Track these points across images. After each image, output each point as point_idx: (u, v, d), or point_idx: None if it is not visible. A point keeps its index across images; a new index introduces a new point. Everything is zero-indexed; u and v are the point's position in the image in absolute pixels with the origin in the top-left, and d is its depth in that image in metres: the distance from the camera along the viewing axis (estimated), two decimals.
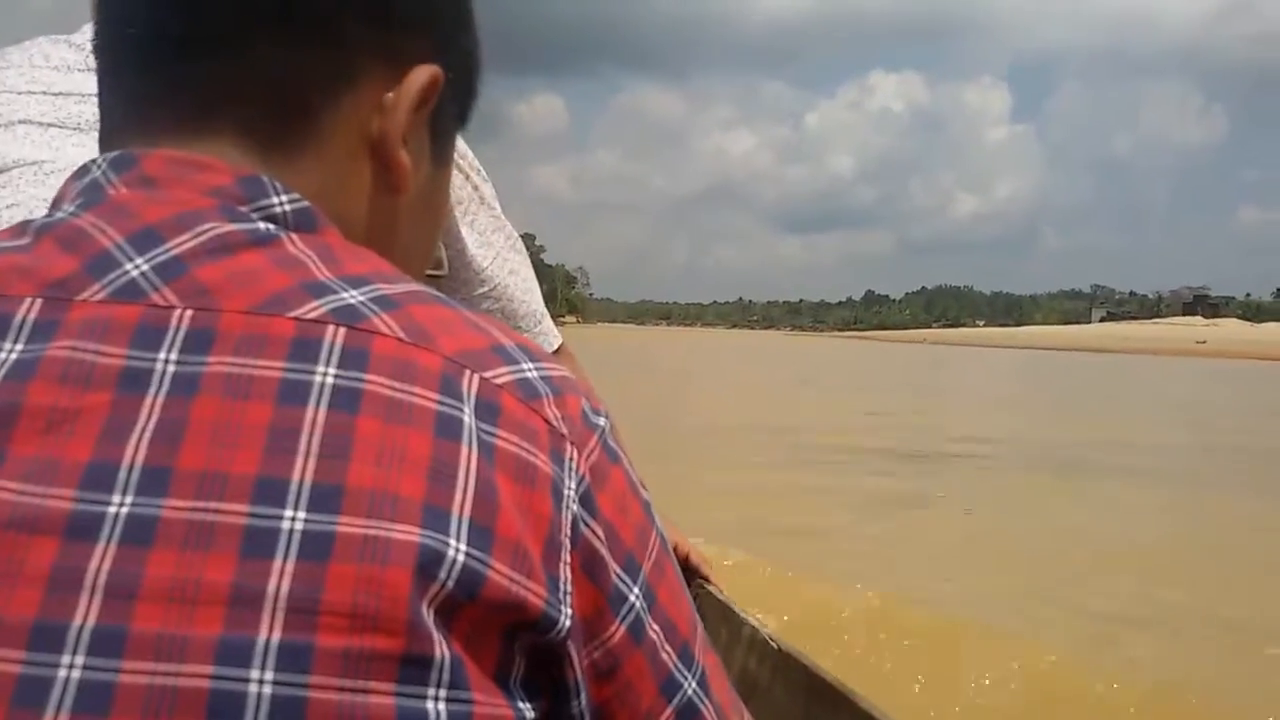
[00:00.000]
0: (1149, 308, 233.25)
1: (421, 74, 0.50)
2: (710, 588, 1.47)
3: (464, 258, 1.17)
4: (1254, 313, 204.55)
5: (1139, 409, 19.66)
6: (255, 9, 0.47)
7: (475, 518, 0.41)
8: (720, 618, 1.44)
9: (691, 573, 1.46)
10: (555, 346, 1.30)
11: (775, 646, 1.36)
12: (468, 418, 0.43)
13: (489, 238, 1.20)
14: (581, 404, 0.47)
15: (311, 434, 0.41)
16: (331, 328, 0.43)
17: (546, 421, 0.45)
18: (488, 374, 0.44)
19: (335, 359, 0.42)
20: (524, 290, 1.25)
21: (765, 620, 1.35)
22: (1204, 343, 65.85)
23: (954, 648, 3.72)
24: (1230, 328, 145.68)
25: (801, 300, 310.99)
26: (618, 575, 0.46)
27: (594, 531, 0.45)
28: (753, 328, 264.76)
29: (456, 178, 1.15)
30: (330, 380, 0.42)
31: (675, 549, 1.34)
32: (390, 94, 0.49)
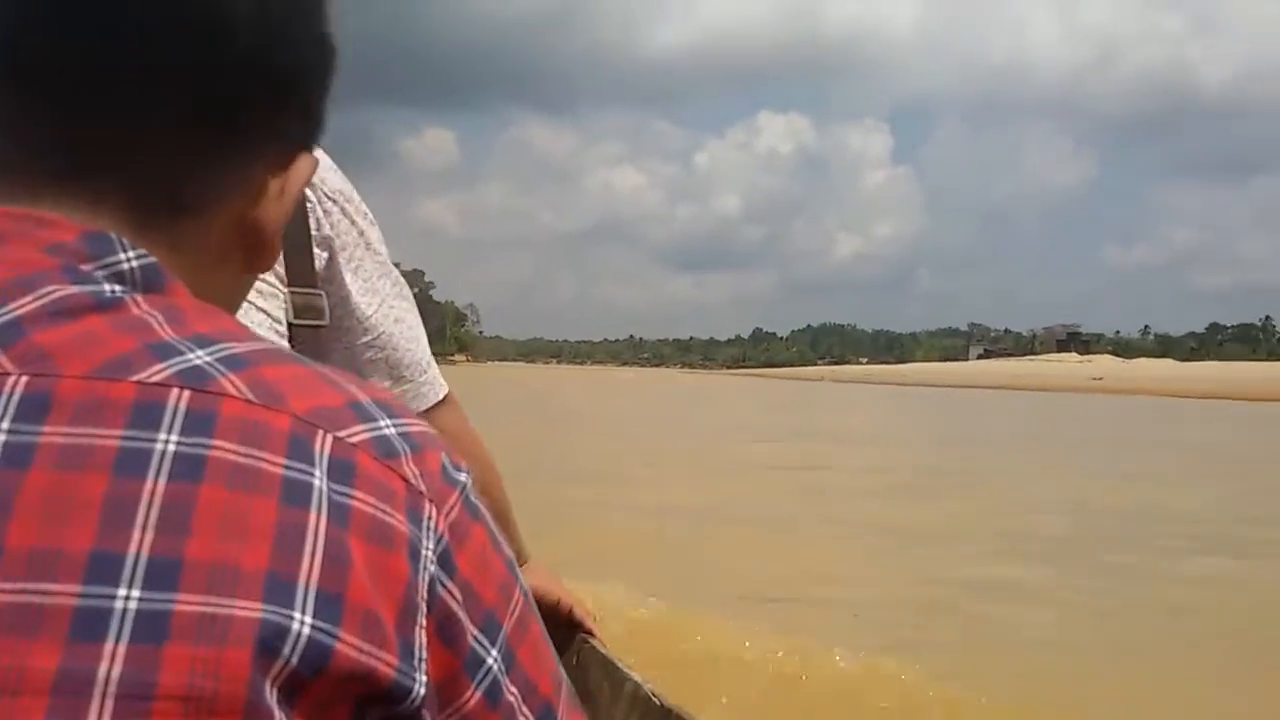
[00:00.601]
0: (1024, 345, 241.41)
1: (305, 163, 0.49)
2: (593, 642, 1.42)
3: (347, 305, 1.14)
4: (1124, 349, 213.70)
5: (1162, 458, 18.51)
6: (162, 86, 0.45)
7: (323, 586, 0.39)
8: (603, 673, 1.39)
9: (574, 627, 1.42)
10: (441, 396, 1.26)
11: (658, 704, 1.32)
12: (319, 481, 0.41)
13: (374, 284, 1.18)
14: (441, 460, 0.46)
15: (150, 506, 0.38)
16: (176, 391, 0.41)
17: (404, 480, 0.44)
18: (342, 433, 0.43)
19: (179, 425, 0.40)
20: (409, 339, 1.22)
21: (649, 676, 1.33)
22: (1100, 379, 67.73)
23: (857, 698, 3.60)
24: (1105, 364, 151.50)
25: (691, 338, 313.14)
26: (475, 638, 0.44)
27: (451, 593, 0.43)
28: (643, 365, 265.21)
29: (342, 223, 1.13)
30: (172, 448, 0.40)
31: (558, 603, 1.39)
32: (277, 181, 0.48)
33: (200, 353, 0.42)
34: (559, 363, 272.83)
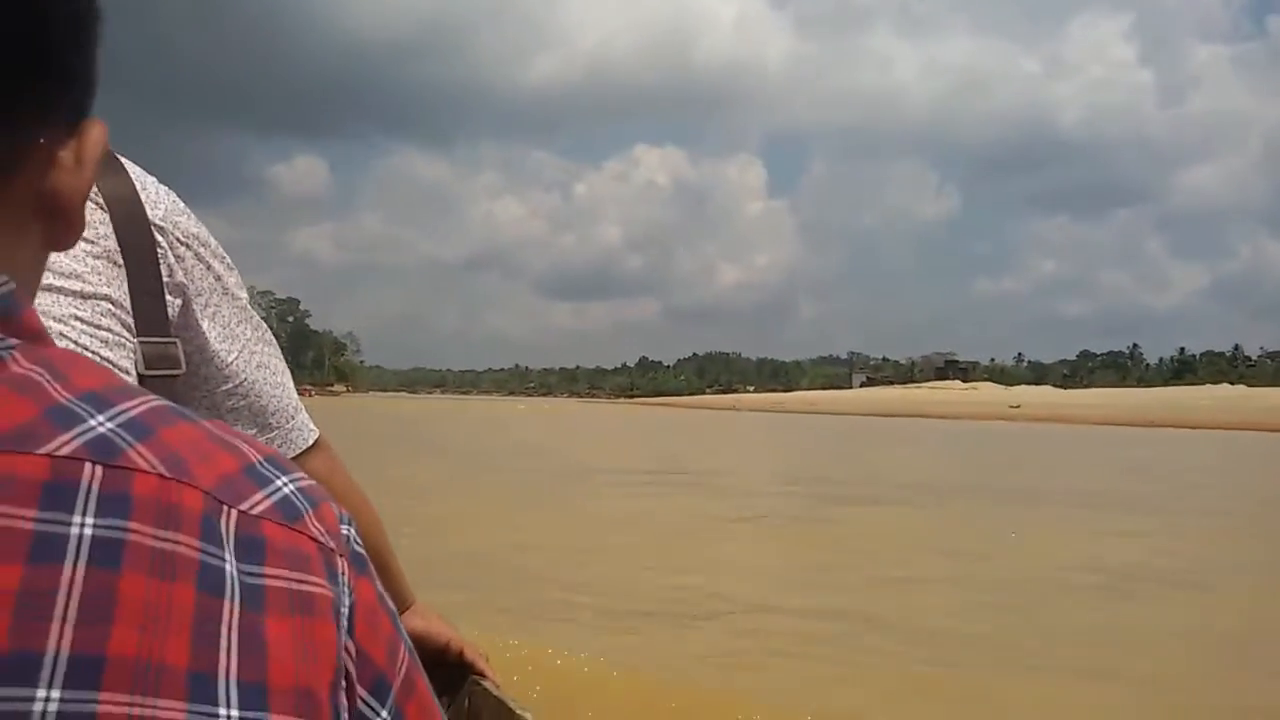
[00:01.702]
0: (903, 373, 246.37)
1: (96, 129, 0.46)
2: (485, 683, 1.40)
3: (204, 354, 1.11)
4: (999, 376, 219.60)
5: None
6: None
7: (244, 677, 0.38)
8: (495, 715, 1.38)
9: (465, 668, 1.41)
10: (311, 441, 1.23)
11: None
12: (229, 565, 0.39)
13: (233, 330, 1.14)
14: (335, 512, 0.45)
15: (69, 597, 0.35)
16: (88, 467, 0.38)
17: (314, 540, 0.43)
18: (244, 505, 0.41)
19: (93, 506, 0.37)
20: (274, 384, 1.18)
21: (539, 715, 1.31)
22: (1018, 407, 67.57)
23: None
24: (987, 390, 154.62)
25: (578, 366, 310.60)
26: (363, 699, 0.43)
27: (348, 651, 0.42)
28: (530, 395, 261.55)
29: (197, 268, 1.10)
30: (89, 531, 0.37)
31: (447, 645, 1.38)
32: (67, 151, 0.45)
33: (101, 418, 0.40)
34: (442, 393, 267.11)
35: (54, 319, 0.93)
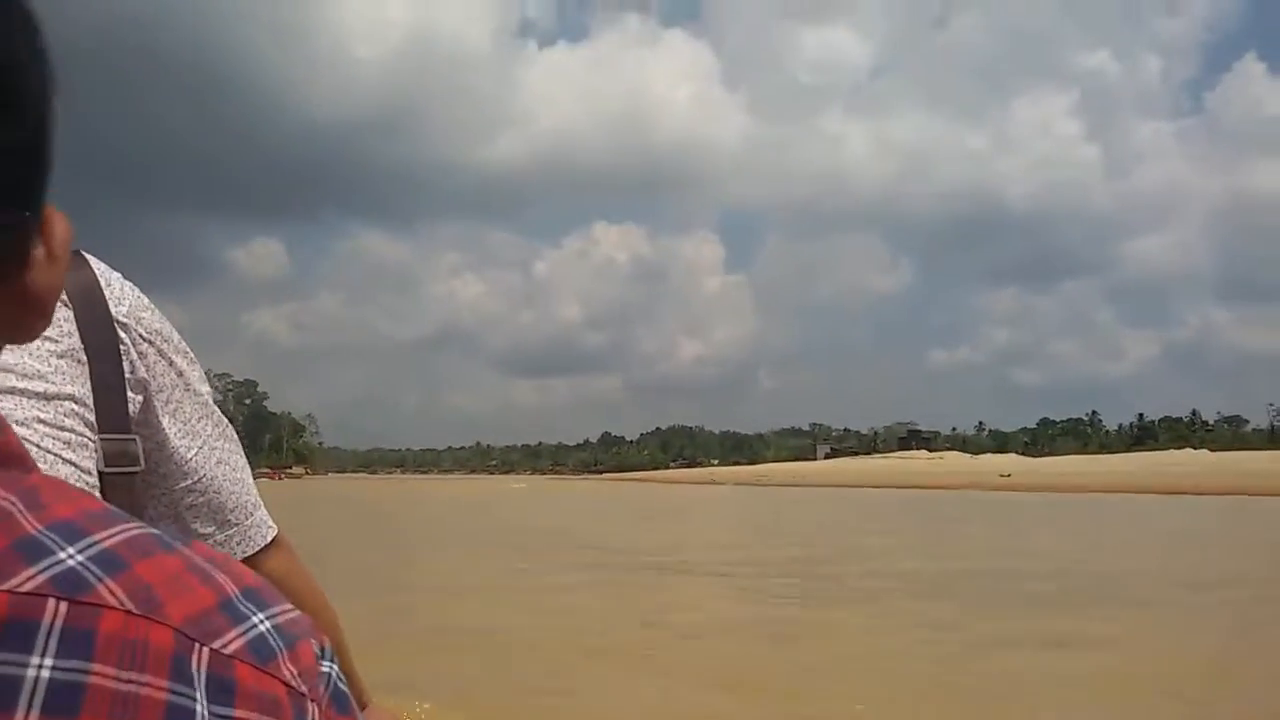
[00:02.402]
0: (866, 443, 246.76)
1: (61, 223, 0.45)
2: None
3: (164, 450, 1.11)
4: (961, 445, 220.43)
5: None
6: None
7: None
8: None
9: None
10: (270, 538, 1.22)
11: None
12: (199, 705, 0.38)
13: (194, 426, 1.14)
14: (313, 650, 0.44)
15: None
16: (52, 603, 0.36)
17: (285, 684, 0.41)
18: (217, 644, 0.40)
19: (54, 646, 0.36)
20: (233, 481, 1.18)
21: None
22: (1009, 476, 66.64)
23: None
24: (953, 460, 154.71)
25: (540, 443, 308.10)
26: None
27: None
28: (491, 472, 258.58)
29: (159, 364, 1.10)
30: (46, 674, 0.35)
31: None
32: (40, 250, 0.44)
33: (71, 550, 0.38)
34: (403, 472, 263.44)
35: (17, 422, 0.93)
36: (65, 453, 0.97)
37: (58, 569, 0.38)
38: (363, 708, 1.30)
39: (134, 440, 1.07)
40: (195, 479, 1.13)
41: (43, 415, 0.96)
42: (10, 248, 0.42)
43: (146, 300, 1.11)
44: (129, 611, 0.38)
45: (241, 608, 0.42)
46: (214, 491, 1.15)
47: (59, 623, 0.36)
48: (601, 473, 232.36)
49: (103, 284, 1.06)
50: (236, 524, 1.17)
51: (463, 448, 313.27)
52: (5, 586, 0.36)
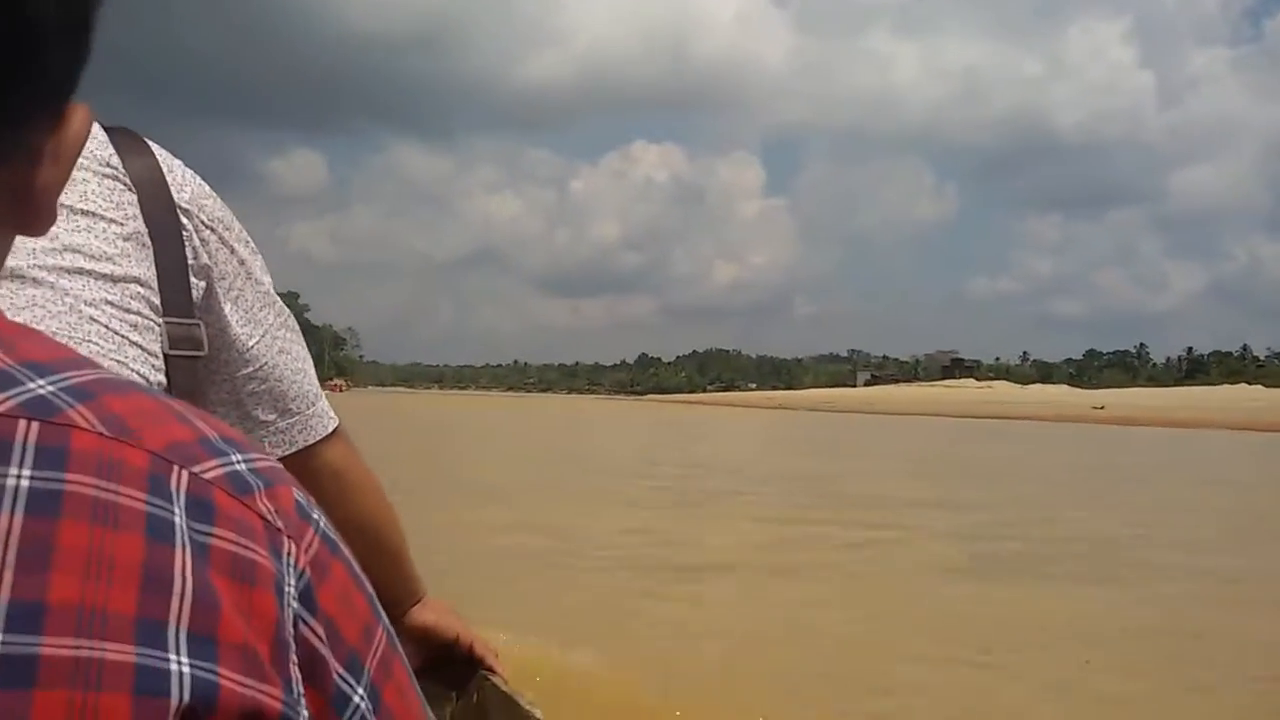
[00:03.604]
0: (907, 370, 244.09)
1: (79, 117, 0.45)
2: (494, 679, 1.39)
3: (226, 336, 1.12)
4: (1005, 374, 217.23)
5: None
6: None
7: (194, 628, 0.37)
8: (504, 711, 1.37)
9: (474, 664, 1.40)
10: (331, 429, 1.22)
11: None
12: (179, 518, 0.39)
13: (256, 315, 1.15)
14: (295, 495, 0.45)
15: (6, 545, 0.35)
16: (23, 423, 0.38)
17: (261, 516, 0.42)
18: (196, 469, 0.40)
19: (30, 458, 0.37)
20: (295, 371, 1.18)
21: (549, 711, 1.31)
22: (1102, 408, 63.87)
23: None
24: (1003, 390, 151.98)
25: (577, 363, 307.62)
26: (339, 675, 0.43)
27: (313, 630, 0.42)
28: (529, 390, 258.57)
29: (221, 251, 1.11)
30: (25, 483, 0.36)
31: (456, 639, 1.38)
32: (52, 144, 0.44)
33: (42, 381, 0.39)
34: (440, 388, 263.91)
35: (86, 303, 0.95)
36: (132, 335, 0.98)
37: (27, 396, 0.38)
38: (419, 599, 1.35)
39: (198, 325, 1.07)
40: (257, 366, 1.13)
41: (110, 297, 0.97)
42: (29, 139, 0.43)
43: (208, 188, 1.12)
44: (101, 434, 0.39)
45: (220, 446, 0.43)
46: (275, 379, 1.15)
47: (32, 439, 0.37)
48: (641, 394, 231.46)
49: (165, 170, 1.07)
50: (298, 413, 1.17)
51: (499, 365, 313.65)
52: None
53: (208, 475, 0.41)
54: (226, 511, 0.40)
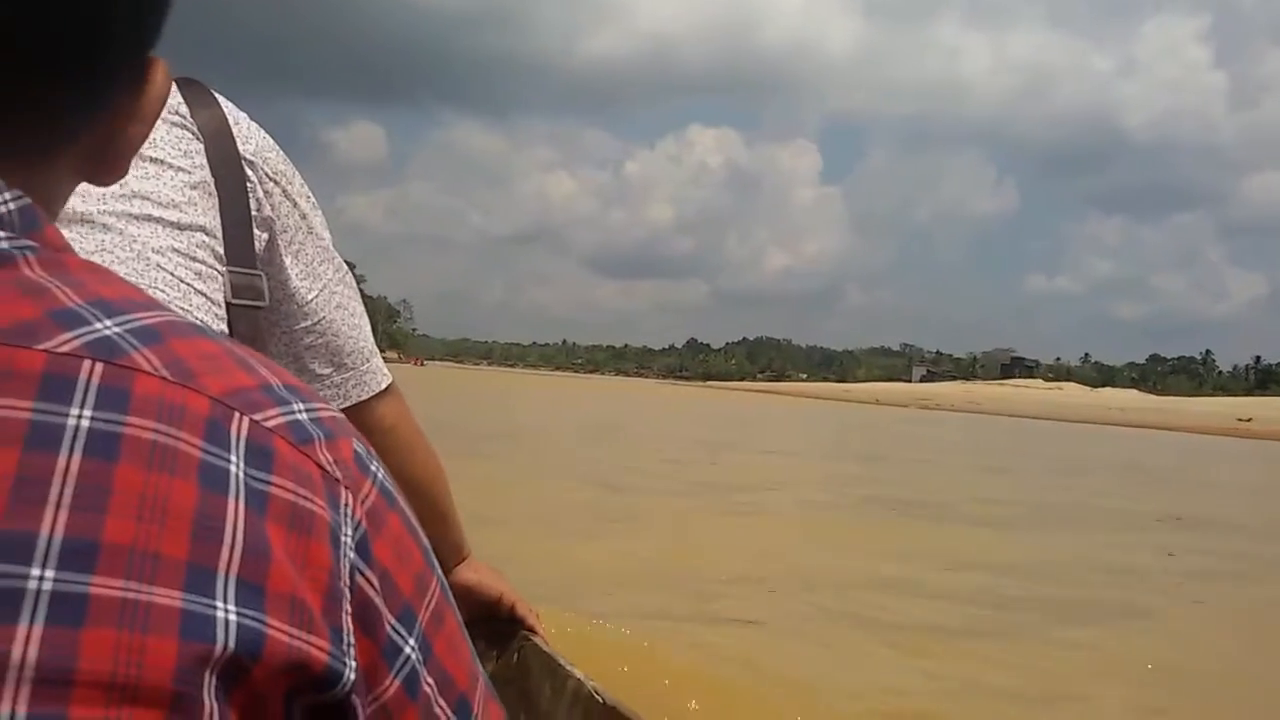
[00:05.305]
0: (964, 368, 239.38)
1: (160, 74, 0.47)
2: (535, 639, 1.43)
3: (286, 289, 1.14)
4: (1066, 375, 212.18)
5: None
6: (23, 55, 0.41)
7: (244, 576, 0.38)
8: (545, 671, 1.39)
9: (516, 624, 1.44)
10: (385, 385, 1.25)
11: (601, 701, 1.31)
12: (235, 466, 0.39)
13: (316, 269, 1.17)
14: (354, 446, 0.45)
15: (64, 484, 0.36)
16: (88, 363, 0.38)
17: (320, 466, 0.42)
18: (258, 416, 0.41)
19: (92, 399, 0.37)
20: (351, 326, 1.21)
21: (592, 674, 1.33)
22: (1249, 420, 60.10)
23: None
24: (1073, 391, 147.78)
25: (626, 345, 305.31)
26: (392, 626, 0.43)
27: (369, 580, 0.43)
28: (577, 371, 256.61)
29: (284, 204, 1.13)
30: (86, 423, 0.37)
31: (500, 599, 1.42)
32: (139, 102, 0.46)
33: (109, 322, 0.40)
34: (489, 364, 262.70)
35: (153, 250, 0.96)
36: (196, 283, 0.99)
37: (93, 336, 0.39)
38: (463, 558, 1.39)
39: (260, 275, 1.08)
40: (314, 320, 1.15)
41: (177, 245, 0.98)
42: (114, 98, 0.44)
43: (272, 142, 1.13)
44: (164, 378, 0.39)
45: (283, 394, 0.43)
46: (332, 334, 1.17)
47: (95, 380, 0.38)
48: (688, 379, 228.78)
49: (231, 123, 1.08)
50: (353, 368, 1.19)
51: (547, 344, 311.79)
52: (42, 346, 0.38)
53: (269, 423, 0.41)
54: (286, 459, 0.41)
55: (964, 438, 32.01)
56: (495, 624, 1.39)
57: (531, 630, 1.40)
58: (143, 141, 0.47)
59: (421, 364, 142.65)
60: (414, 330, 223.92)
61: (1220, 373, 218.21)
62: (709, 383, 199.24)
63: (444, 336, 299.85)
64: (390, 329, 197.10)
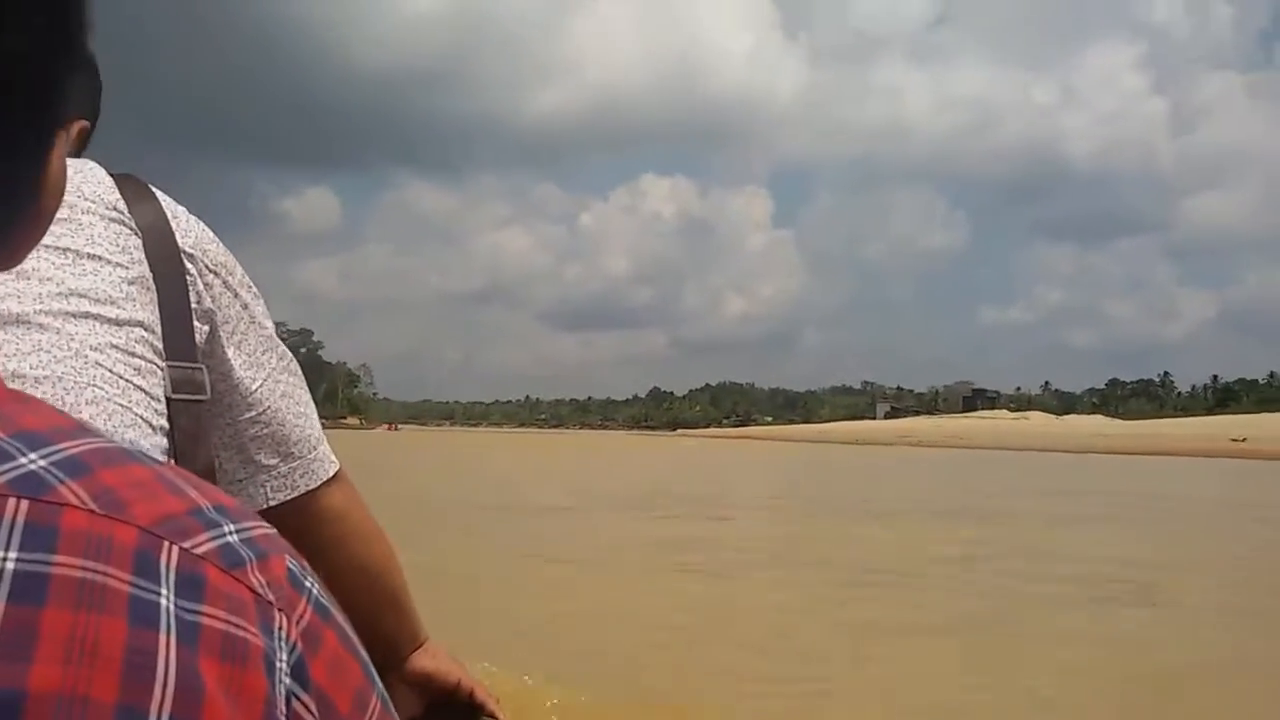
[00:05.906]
0: (926, 402, 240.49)
1: (58, 155, 0.45)
2: None
3: (229, 381, 1.14)
4: (1028, 405, 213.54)
5: None
6: None
7: (176, 713, 0.36)
8: None
9: (476, 709, 1.40)
10: (332, 472, 1.23)
11: None
12: (165, 599, 0.37)
13: (259, 358, 1.16)
14: (287, 564, 0.44)
15: None
16: (13, 501, 0.36)
17: (252, 590, 0.41)
18: (187, 544, 0.39)
19: (17, 540, 0.36)
20: (297, 414, 1.20)
21: None
22: (1244, 440, 59.62)
23: None
24: (1039, 420, 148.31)
25: (589, 398, 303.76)
26: None
27: (306, 706, 0.41)
28: (541, 427, 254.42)
29: (224, 295, 1.13)
30: (11, 565, 0.35)
31: (458, 685, 1.37)
32: (51, 170, 0.45)
33: (33, 455, 0.38)
34: (451, 424, 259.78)
35: (91, 347, 0.96)
36: (136, 378, 0.99)
37: (18, 472, 0.37)
38: (419, 645, 1.34)
39: (200, 369, 1.08)
40: (259, 410, 1.15)
41: (115, 340, 0.98)
42: (44, 164, 0.43)
43: (211, 234, 1.14)
44: (92, 511, 0.38)
45: (212, 517, 0.42)
46: (278, 424, 1.16)
47: (20, 519, 0.36)
48: (654, 428, 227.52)
49: (169, 217, 1.09)
50: (300, 457, 1.18)
51: (509, 401, 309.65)
52: None
53: (199, 549, 0.40)
54: (217, 587, 0.39)
55: (1023, 481, 30.24)
56: (455, 710, 1.35)
57: (492, 716, 1.37)
58: (59, 192, 0.46)
59: (395, 429, 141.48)
60: (374, 394, 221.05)
61: (1180, 393, 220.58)
62: (678, 431, 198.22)
63: (405, 399, 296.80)
64: (351, 394, 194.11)
